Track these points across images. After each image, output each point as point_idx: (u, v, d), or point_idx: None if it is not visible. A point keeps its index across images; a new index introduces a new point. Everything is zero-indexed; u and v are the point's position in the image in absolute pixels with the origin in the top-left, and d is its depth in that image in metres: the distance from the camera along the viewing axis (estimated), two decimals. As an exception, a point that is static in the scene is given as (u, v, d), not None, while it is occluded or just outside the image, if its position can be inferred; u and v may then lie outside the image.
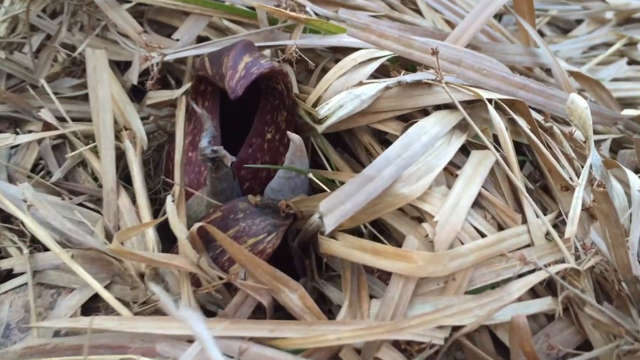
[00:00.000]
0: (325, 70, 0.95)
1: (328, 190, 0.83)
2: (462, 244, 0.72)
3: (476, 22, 0.97)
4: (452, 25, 1.17)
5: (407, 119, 0.86)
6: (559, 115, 0.93)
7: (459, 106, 0.79)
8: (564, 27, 1.69)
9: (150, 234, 0.81)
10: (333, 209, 0.70)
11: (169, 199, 0.76)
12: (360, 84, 0.82)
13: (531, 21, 1.09)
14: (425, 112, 0.87)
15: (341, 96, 0.83)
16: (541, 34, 1.59)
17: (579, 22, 1.69)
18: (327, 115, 0.83)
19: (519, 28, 1.12)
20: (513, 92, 0.87)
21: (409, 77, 0.83)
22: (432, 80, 0.82)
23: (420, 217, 0.77)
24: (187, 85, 0.96)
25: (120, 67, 1.19)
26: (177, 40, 0.99)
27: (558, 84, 1.06)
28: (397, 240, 0.81)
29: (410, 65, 0.96)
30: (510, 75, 0.87)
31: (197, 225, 0.73)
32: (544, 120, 0.90)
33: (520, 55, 1.07)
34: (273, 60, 0.83)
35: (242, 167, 0.88)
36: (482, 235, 0.74)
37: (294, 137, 0.81)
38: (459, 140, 0.79)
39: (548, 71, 1.16)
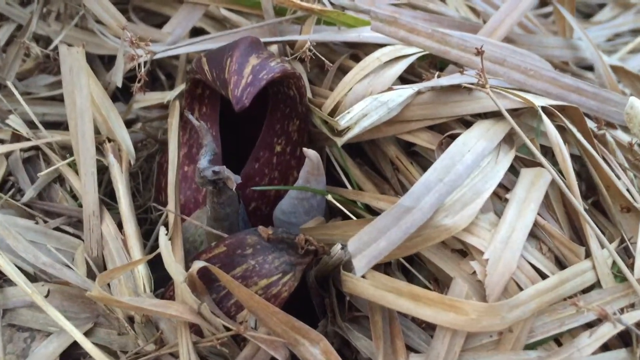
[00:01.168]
0: (342, 70, 0.82)
1: (349, 213, 0.71)
2: (518, 285, 0.60)
3: (515, 11, 0.84)
4: (476, 12, 1.04)
5: (441, 129, 0.74)
6: (611, 120, 0.80)
7: (508, 117, 0.66)
8: (585, 12, 1.56)
9: (141, 270, 0.68)
10: (364, 248, 0.57)
11: (162, 232, 0.63)
12: (390, 89, 0.69)
13: (571, 9, 0.97)
14: (462, 121, 0.74)
15: (365, 103, 0.70)
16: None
17: (601, 6, 1.57)
18: (349, 126, 0.71)
19: (556, 17, 0.99)
20: (563, 95, 0.75)
21: (445, 81, 0.70)
22: (474, 84, 0.69)
23: (462, 249, 0.65)
24: (180, 87, 0.83)
25: (103, 61, 1.05)
26: (168, 33, 0.85)
27: (600, 80, 0.94)
28: (430, 271, 0.69)
29: (440, 63, 0.83)
30: (560, 76, 0.74)
31: (197, 264, 0.60)
32: (597, 128, 0.78)
33: (560, 49, 0.94)
34: (283, 60, 0.70)
35: (248, 185, 0.75)
36: (540, 273, 0.62)
37: (310, 153, 0.68)
38: (507, 157, 0.67)
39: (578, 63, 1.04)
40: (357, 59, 0.84)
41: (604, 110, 0.77)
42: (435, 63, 0.81)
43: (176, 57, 0.96)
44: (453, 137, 0.71)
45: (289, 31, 0.84)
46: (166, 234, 0.63)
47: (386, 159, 0.77)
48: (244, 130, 0.86)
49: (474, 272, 0.62)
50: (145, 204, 0.86)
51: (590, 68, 1.15)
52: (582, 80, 0.78)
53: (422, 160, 0.76)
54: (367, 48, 0.81)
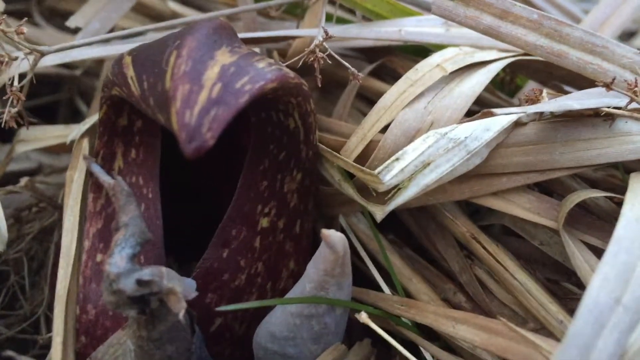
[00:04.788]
0: (362, 96, 0.51)
1: (391, 340, 0.38)
2: None
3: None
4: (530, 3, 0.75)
5: (546, 189, 0.43)
6: None
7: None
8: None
9: None
10: None
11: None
12: (465, 119, 0.38)
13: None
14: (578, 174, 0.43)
15: (426, 143, 0.39)
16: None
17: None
18: (399, 185, 0.38)
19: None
20: None
21: (576, 101, 0.39)
22: (621, 109, 0.38)
23: None
24: (93, 117, 0.49)
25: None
26: (78, 30, 0.53)
27: None
28: None
29: (521, 79, 0.53)
30: None
31: None
32: None
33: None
34: (278, 63, 0.38)
35: (209, 289, 0.41)
36: None
37: (334, 238, 0.35)
38: None
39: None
40: (381, 75, 0.53)
41: None
42: (512, 79, 0.51)
43: (96, 73, 0.64)
44: (580, 207, 0.40)
45: (273, 27, 0.52)
46: None
47: (447, 238, 0.45)
48: (206, 182, 0.53)
49: None
50: (34, 312, 0.51)
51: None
52: None
53: (512, 241, 0.44)
54: (401, 59, 0.50)
